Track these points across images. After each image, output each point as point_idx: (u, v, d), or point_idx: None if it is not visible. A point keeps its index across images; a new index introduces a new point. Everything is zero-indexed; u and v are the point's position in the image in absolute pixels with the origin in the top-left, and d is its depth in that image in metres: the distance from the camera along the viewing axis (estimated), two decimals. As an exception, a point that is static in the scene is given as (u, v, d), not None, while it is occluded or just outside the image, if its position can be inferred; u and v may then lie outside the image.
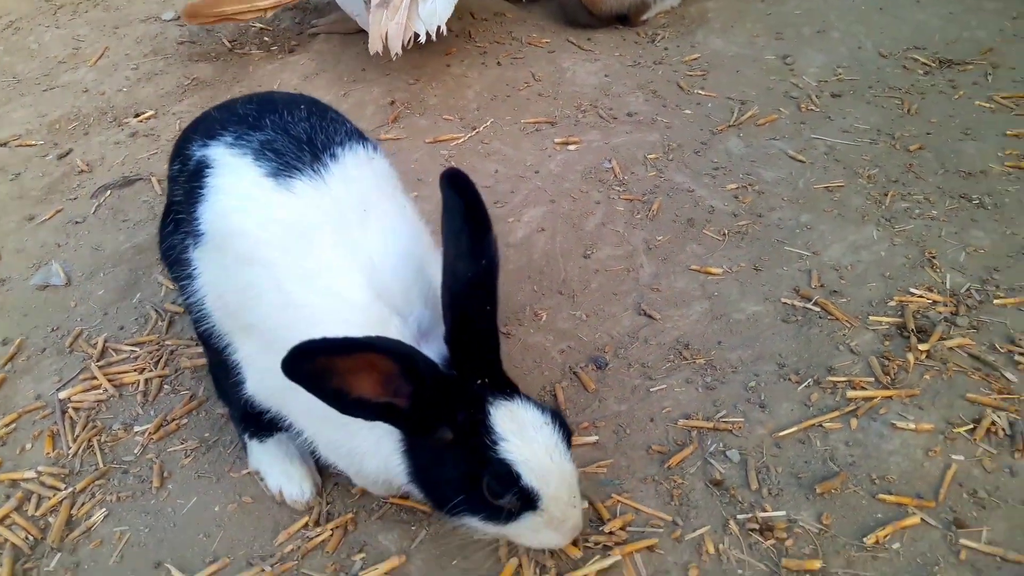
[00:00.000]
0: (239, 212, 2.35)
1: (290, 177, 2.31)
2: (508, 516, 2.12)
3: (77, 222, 4.19)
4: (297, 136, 2.41)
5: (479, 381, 2.11)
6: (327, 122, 2.54)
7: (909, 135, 4.30)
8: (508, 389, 2.15)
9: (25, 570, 2.57)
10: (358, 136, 2.59)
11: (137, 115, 5.04)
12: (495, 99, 4.90)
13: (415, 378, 1.97)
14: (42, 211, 4.28)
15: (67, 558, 2.60)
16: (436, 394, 2.02)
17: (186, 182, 2.57)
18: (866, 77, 4.83)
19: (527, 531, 2.21)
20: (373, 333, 2.00)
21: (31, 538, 2.65)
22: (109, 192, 4.39)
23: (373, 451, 2.27)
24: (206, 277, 2.52)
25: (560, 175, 4.22)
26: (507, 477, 2.05)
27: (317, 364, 1.88)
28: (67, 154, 4.76)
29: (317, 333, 1.91)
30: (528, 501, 2.08)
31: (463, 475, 2.11)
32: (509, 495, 2.07)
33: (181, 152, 2.69)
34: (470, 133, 4.61)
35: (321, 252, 2.23)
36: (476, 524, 2.22)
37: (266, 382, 2.45)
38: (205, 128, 2.62)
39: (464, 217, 2.11)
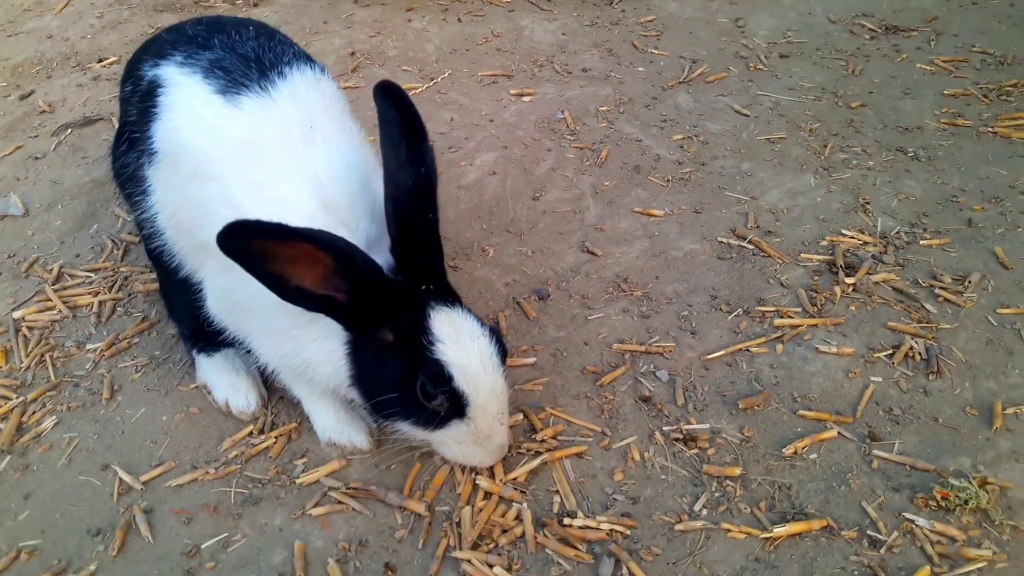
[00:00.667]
0: (190, 129, 2.41)
1: (238, 94, 2.36)
2: (438, 421, 2.22)
3: (37, 158, 4.22)
4: (245, 55, 2.45)
5: (423, 287, 2.19)
6: (275, 43, 2.57)
7: (852, 93, 4.45)
8: (451, 298, 2.24)
9: (-26, 470, 2.64)
10: (306, 58, 2.61)
11: (100, 60, 5.08)
12: (454, 53, 4.99)
13: (352, 274, 2.03)
14: (2, 147, 4.32)
15: (16, 460, 2.67)
16: (377, 293, 2.08)
17: (139, 102, 2.62)
18: (814, 40, 4.98)
19: (454, 441, 2.30)
20: None
21: (-19, 442, 2.71)
22: (70, 130, 4.43)
23: (322, 358, 2.32)
24: (160, 195, 2.57)
25: (514, 124, 4.32)
26: (439, 377, 2.13)
27: (253, 246, 1.93)
28: (29, 95, 4.78)
29: None
30: (457, 406, 2.18)
31: (399, 375, 2.18)
32: (440, 396, 2.15)
33: (133, 73, 2.74)
34: (428, 84, 4.69)
35: (269, 165, 2.27)
36: (407, 428, 2.32)
37: (224, 300, 2.51)
38: (156, 49, 2.67)
39: (401, 127, 2.17)
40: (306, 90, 2.43)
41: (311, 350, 2.33)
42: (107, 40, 5.32)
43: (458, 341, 2.15)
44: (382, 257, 2.20)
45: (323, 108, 2.43)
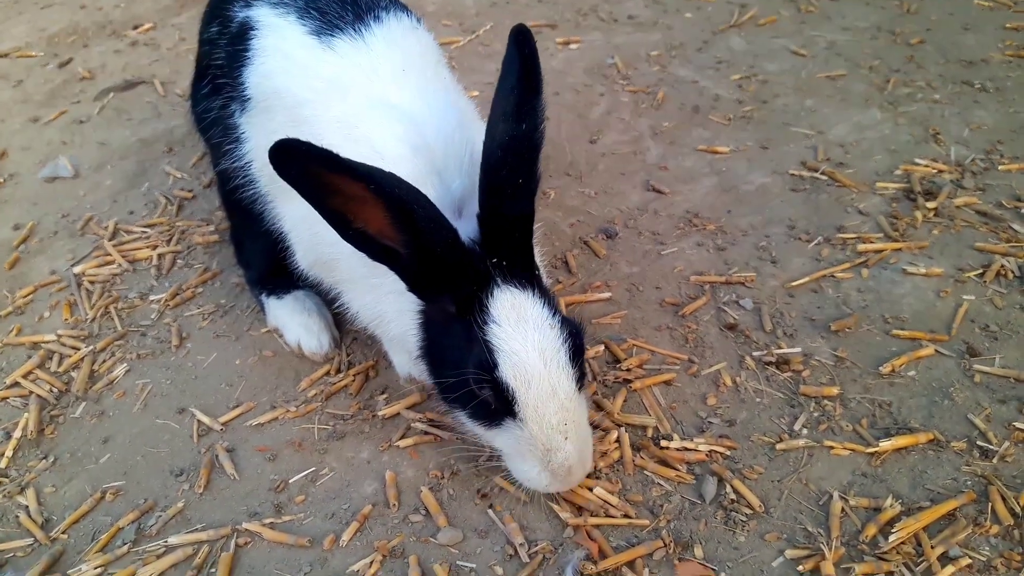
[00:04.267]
0: (284, 73, 2.30)
1: (332, 36, 2.23)
2: (490, 418, 1.95)
3: (82, 121, 4.17)
4: None
5: (495, 260, 1.91)
6: None
7: (909, 31, 4.33)
8: (527, 277, 1.95)
9: (52, 416, 2.59)
10: (402, 7, 2.47)
11: (136, 27, 5.03)
12: (494, 6, 4.90)
13: (410, 227, 1.79)
14: (46, 113, 4.27)
15: (92, 407, 2.61)
16: (440, 255, 1.83)
17: (228, 45, 2.50)
18: (865, -20, 4.85)
19: (511, 448, 2.00)
20: None
21: (55, 390, 2.67)
22: (112, 94, 4.38)
23: (395, 316, 2.20)
24: (255, 142, 2.45)
25: (563, 71, 4.23)
26: (484, 362, 1.86)
27: (309, 172, 1.75)
28: (68, 63, 4.73)
29: None
30: (504, 402, 1.88)
31: (455, 354, 1.95)
32: (485, 385, 1.88)
33: (220, 13, 2.60)
34: (470, 37, 4.61)
35: (357, 104, 2.14)
36: (464, 420, 2.05)
37: (313, 251, 2.37)
38: None
39: (517, 75, 1.90)
40: (401, 36, 2.29)
41: (386, 303, 2.20)
42: (141, 8, 5.27)
43: (516, 326, 1.87)
44: (469, 219, 1.97)
45: (418, 55, 2.29)
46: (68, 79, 4.57)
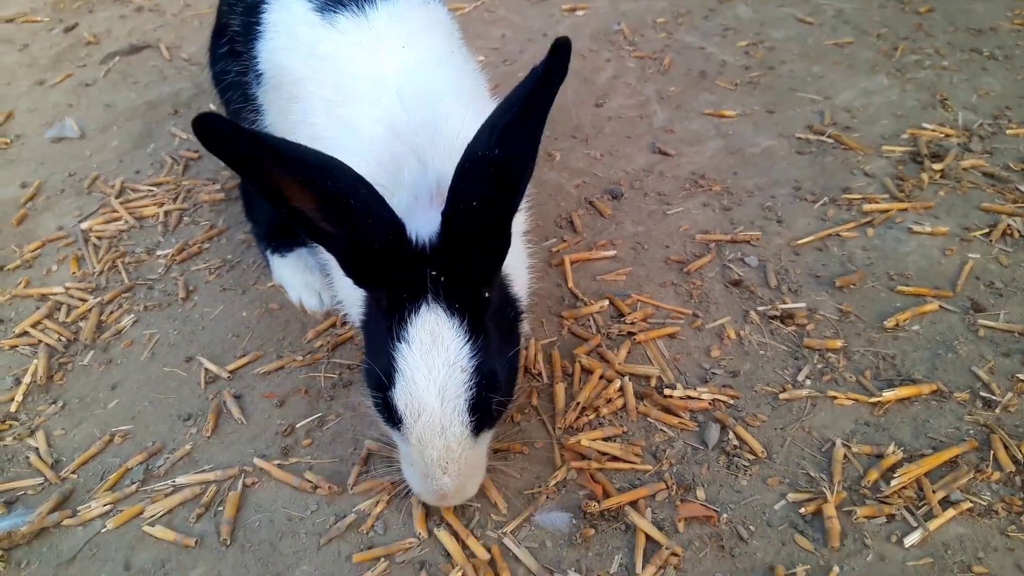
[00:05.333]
0: (287, 50, 2.29)
1: (335, 12, 2.18)
2: (387, 418, 1.84)
3: (87, 84, 4.18)
4: None
5: (435, 272, 1.72)
6: None
7: (918, 0, 4.31)
8: (463, 303, 1.75)
9: (60, 364, 2.61)
10: None
11: (141, -8, 5.01)
12: (501, -27, 4.89)
13: (343, 218, 1.66)
14: (52, 76, 4.27)
15: (100, 355, 2.63)
16: (377, 250, 1.69)
17: (242, 14, 2.48)
18: (873, -49, 4.83)
19: (403, 453, 1.93)
20: (381, 168, 1.86)
21: (64, 339, 2.68)
22: (117, 58, 4.38)
23: (346, 297, 2.16)
24: (271, 116, 2.45)
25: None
26: (385, 376, 1.76)
27: (238, 150, 1.59)
28: (73, 27, 4.74)
29: None
30: (394, 419, 1.80)
31: (374, 347, 1.86)
32: (379, 398, 1.81)
33: None
34: (475, 3, 4.61)
35: (346, 84, 2.09)
36: (374, 411, 1.92)
37: None
38: None
39: (527, 93, 1.67)
40: (408, 11, 2.21)
41: (340, 284, 2.13)
42: (147, -25, 5.26)
43: (425, 354, 1.72)
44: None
45: (424, 30, 2.21)
46: (74, 43, 4.58)
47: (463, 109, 1.92)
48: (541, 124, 1.69)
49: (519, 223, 2.09)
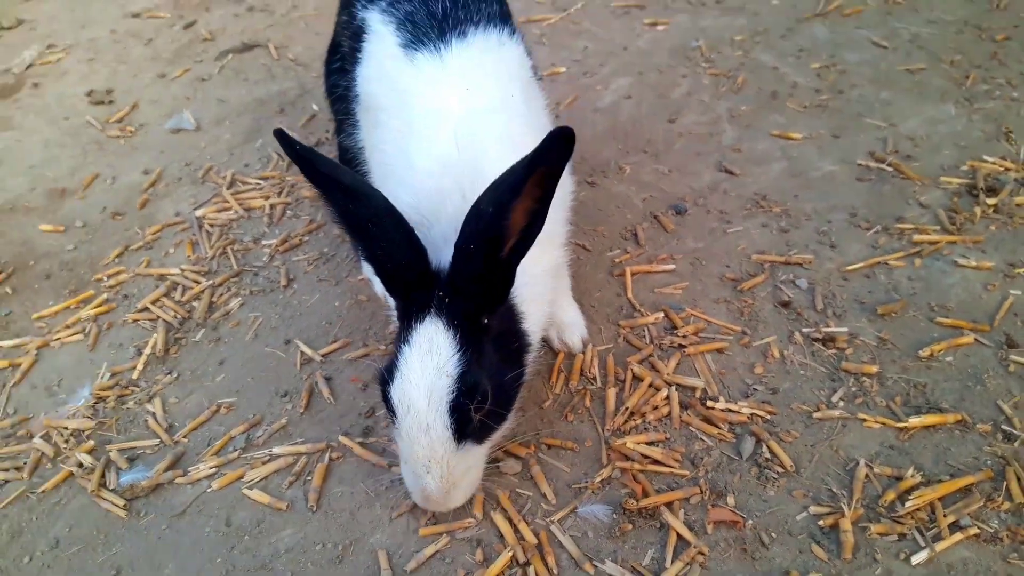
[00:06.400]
0: (377, 80, 2.56)
1: (415, 50, 2.39)
2: (391, 416, 2.07)
3: (203, 79, 4.57)
4: (434, 11, 2.44)
5: (440, 293, 2.00)
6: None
7: (997, 27, 4.39)
8: (461, 322, 2.00)
9: (176, 339, 2.98)
10: (498, 19, 2.54)
11: (253, -9, 5.39)
12: (589, -16, 5.12)
13: (365, 240, 2.00)
14: (172, 70, 4.68)
15: (210, 333, 3.00)
16: (390, 271, 2.02)
17: (350, 38, 2.77)
18: (959, -26, 4.90)
19: (399, 450, 2.13)
20: (427, 200, 2.13)
21: (179, 317, 3.06)
22: (231, 56, 4.76)
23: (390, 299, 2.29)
24: (363, 133, 2.72)
25: (648, 52, 4.44)
26: (387, 372, 2.03)
27: (292, 154, 1.95)
28: (192, 24, 5.14)
29: (389, 189, 2.05)
30: (390, 412, 2.05)
31: (395, 341, 2.12)
32: (382, 392, 2.06)
33: (350, 3, 2.84)
34: (561, 14, 4.85)
35: (413, 118, 2.30)
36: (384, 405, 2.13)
37: None
38: None
39: (523, 168, 1.86)
40: (480, 54, 2.40)
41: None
42: (260, -27, 5.64)
43: (421, 356, 1.98)
44: None
45: (491, 74, 2.40)
46: (192, 39, 4.98)
47: (507, 154, 1.99)
48: (541, 194, 1.89)
49: (542, 262, 2.29)
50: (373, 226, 1.95)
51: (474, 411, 1.98)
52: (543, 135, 1.83)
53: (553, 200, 1.94)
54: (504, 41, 2.50)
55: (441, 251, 2.03)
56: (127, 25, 5.31)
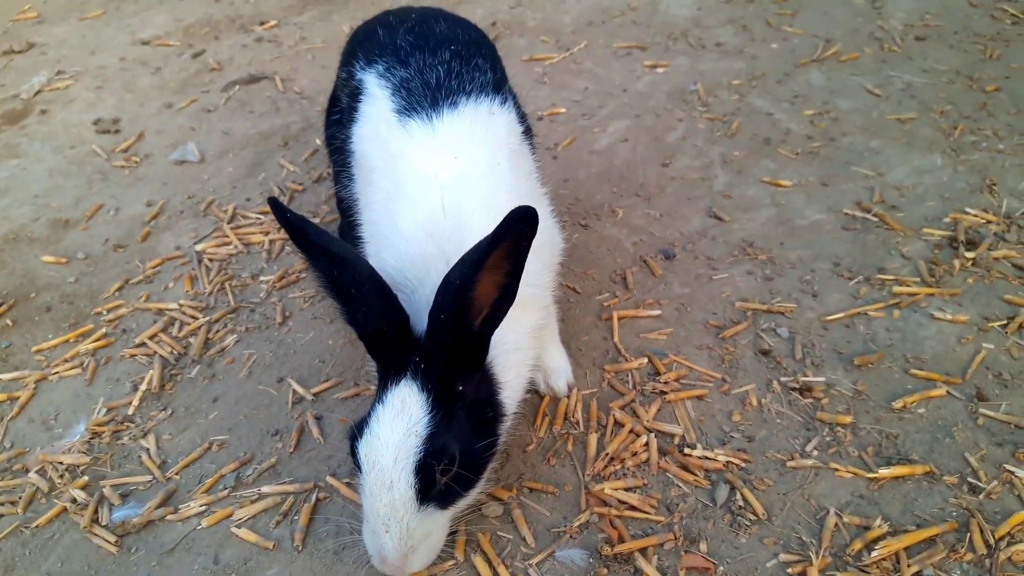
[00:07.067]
0: (371, 141, 2.63)
1: (408, 117, 2.46)
2: (357, 470, 2.11)
3: (209, 111, 4.68)
4: (428, 80, 2.53)
5: (417, 358, 2.07)
6: (467, 69, 2.60)
7: (987, 77, 4.48)
8: (434, 388, 2.06)
9: (172, 375, 3.07)
10: (490, 88, 2.60)
11: (262, 23, 5.52)
12: (591, 25, 5.23)
13: (346, 303, 2.08)
14: (179, 100, 4.80)
15: (205, 370, 3.08)
16: (369, 335, 2.10)
17: (348, 96, 2.87)
18: (952, 23, 5.00)
19: (363, 509, 2.14)
20: (411, 265, 2.20)
21: (175, 352, 3.15)
22: (237, 87, 4.88)
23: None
24: (357, 188, 2.81)
25: (646, 94, 4.54)
26: (354, 430, 2.10)
27: (282, 220, 2.06)
28: (200, 54, 5.26)
29: (374, 250, 2.16)
30: (359, 470, 2.09)
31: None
32: (351, 447, 2.11)
33: (349, 61, 2.94)
34: (564, 54, 4.96)
35: (402, 182, 2.37)
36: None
37: None
38: (370, 47, 2.79)
39: (485, 244, 1.91)
40: (470, 124, 2.47)
41: None
42: (268, 4, 5.78)
43: (392, 416, 2.04)
44: None
45: (479, 143, 2.45)
46: (200, 69, 5.10)
47: (491, 221, 1.97)
48: (510, 268, 1.95)
49: (522, 325, 2.35)
50: (356, 291, 2.02)
51: (440, 474, 2.02)
52: (529, 201, 1.91)
53: (539, 264, 2.02)
54: (494, 111, 2.56)
55: (423, 316, 2.07)
56: (136, 52, 5.44)
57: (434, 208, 2.25)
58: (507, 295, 2.01)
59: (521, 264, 1.96)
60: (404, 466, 1.99)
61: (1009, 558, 2.28)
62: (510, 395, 2.32)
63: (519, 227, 1.87)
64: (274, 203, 2.07)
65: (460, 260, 1.96)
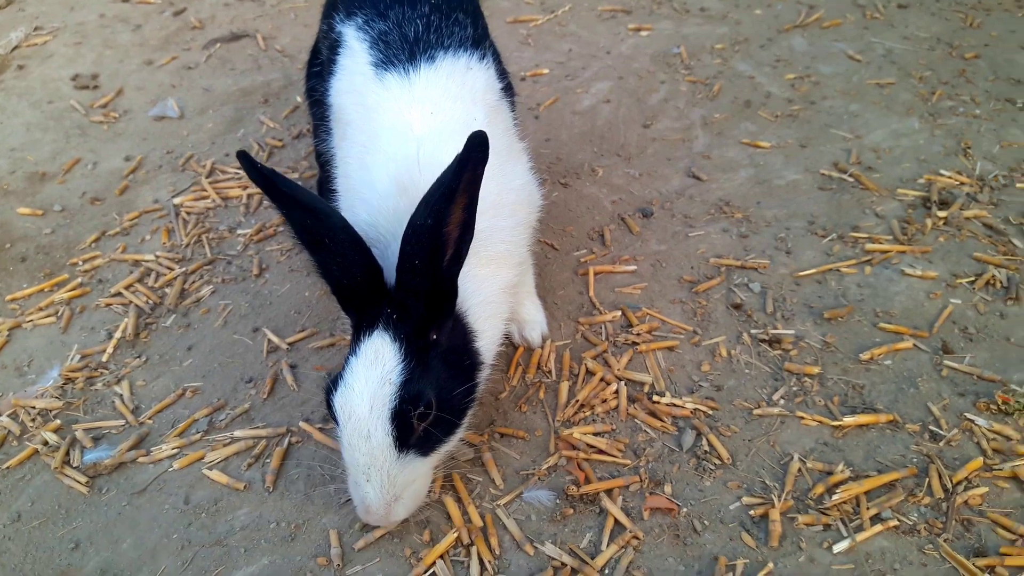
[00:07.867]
0: (345, 93, 2.63)
1: (385, 71, 2.43)
2: (335, 423, 2.12)
3: (190, 68, 4.66)
4: (406, 34, 2.49)
5: (389, 310, 2.07)
6: (446, 23, 2.56)
7: (967, 45, 4.50)
8: (407, 337, 2.06)
9: (147, 324, 3.08)
10: (469, 44, 2.58)
11: (245, -18, 5.47)
12: (575, -12, 5.22)
13: (318, 254, 2.06)
14: (159, 57, 4.77)
15: (180, 319, 3.10)
16: (344, 285, 2.09)
17: (328, 49, 2.84)
18: (936, -9, 5.01)
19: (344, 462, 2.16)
20: (386, 220, 2.20)
21: (151, 302, 3.16)
22: (218, 45, 4.85)
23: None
24: (333, 142, 2.79)
25: (630, 57, 4.54)
26: (329, 384, 2.10)
27: (252, 173, 2.01)
28: (182, 12, 5.23)
29: (347, 204, 2.14)
30: (336, 423, 2.10)
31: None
32: (327, 401, 2.11)
33: (329, 14, 2.91)
34: (548, 16, 4.95)
35: (378, 135, 2.35)
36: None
37: None
38: (349, 1, 2.74)
39: (447, 175, 1.94)
40: (447, 78, 2.44)
41: None
42: (252, -35, 5.73)
43: (366, 366, 2.04)
44: None
45: (454, 97, 2.42)
46: (181, 27, 5.07)
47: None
48: (467, 202, 1.96)
49: (497, 281, 2.36)
50: (329, 242, 2.01)
51: (417, 420, 2.02)
52: (506, 159, 1.90)
53: (515, 220, 2.01)
54: (472, 66, 2.53)
55: (395, 271, 2.07)
56: (116, 10, 5.40)
57: (409, 163, 2.23)
58: (468, 230, 2.01)
59: (476, 195, 1.96)
60: (380, 415, 1.99)
61: (966, 502, 2.32)
62: (485, 344, 2.32)
63: (476, 154, 1.88)
64: (243, 156, 2.03)
65: (423, 201, 1.95)
